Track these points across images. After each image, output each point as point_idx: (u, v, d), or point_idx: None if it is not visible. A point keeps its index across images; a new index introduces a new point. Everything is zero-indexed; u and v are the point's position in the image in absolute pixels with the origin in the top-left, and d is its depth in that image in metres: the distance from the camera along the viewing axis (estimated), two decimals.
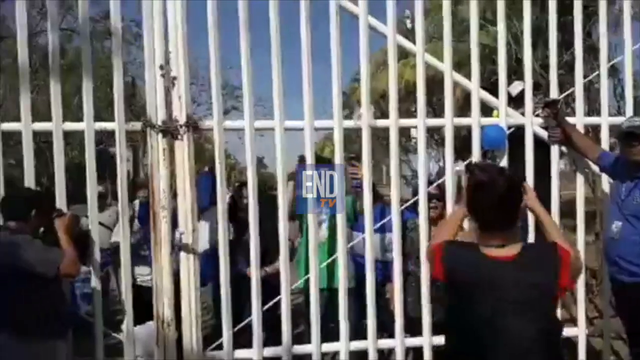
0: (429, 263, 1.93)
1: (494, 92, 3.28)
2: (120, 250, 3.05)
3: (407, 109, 8.80)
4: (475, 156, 3.20)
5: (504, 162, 3.22)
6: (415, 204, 3.26)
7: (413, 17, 3.26)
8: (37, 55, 5.97)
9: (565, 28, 3.90)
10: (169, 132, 2.96)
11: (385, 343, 3.26)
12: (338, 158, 3.14)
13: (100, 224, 3.73)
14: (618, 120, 3.27)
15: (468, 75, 3.24)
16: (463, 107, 6.51)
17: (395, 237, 3.18)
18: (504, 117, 3.24)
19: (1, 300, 2.57)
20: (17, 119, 2.98)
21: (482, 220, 1.79)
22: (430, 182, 3.45)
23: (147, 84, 2.99)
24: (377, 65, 9.97)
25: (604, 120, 3.34)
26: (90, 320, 3.06)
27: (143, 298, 3.20)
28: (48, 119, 2.97)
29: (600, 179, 3.45)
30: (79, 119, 3.03)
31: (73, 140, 6.14)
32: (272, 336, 3.30)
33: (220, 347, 3.10)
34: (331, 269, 3.44)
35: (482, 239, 1.79)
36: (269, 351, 3.16)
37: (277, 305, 3.13)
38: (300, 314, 3.68)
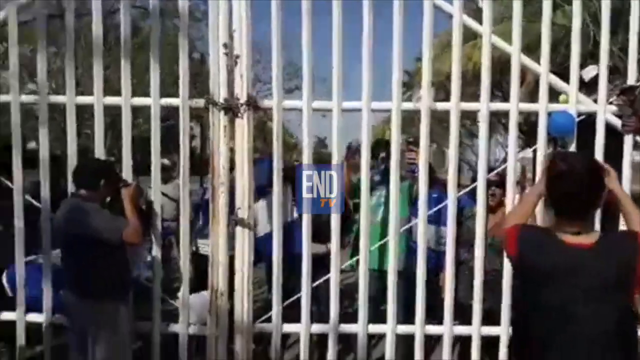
0: (503, 245, 1.91)
1: (567, 76, 3.11)
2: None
3: (474, 92, 8.48)
4: (541, 143, 3.06)
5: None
6: (474, 191, 3.17)
7: None
8: (113, 33, 6.20)
9: None
10: (230, 109, 3.03)
11: (433, 329, 3.22)
12: (395, 141, 3.10)
13: (165, 195, 3.90)
14: None
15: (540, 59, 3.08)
16: (534, 92, 6.19)
17: (449, 222, 3.11)
18: (574, 104, 3.07)
19: (71, 263, 2.77)
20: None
21: (561, 208, 1.77)
22: (491, 169, 3.35)
23: (210, 61, 3.06)
24: (443, 46, 9.63)
25: None
26: (150, 286, 3.22)
27: (205, 267, 3.31)
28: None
29: None
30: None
31: (143, 114, 6.37)
32: (325, 313, 3.34)
33: (269, 320, 3.19)
34: (383, 251, 3.42)
35: (559, 225, 1.76)
36: (317, 327, 3.22)
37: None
38: (352, 293, 3.69)
